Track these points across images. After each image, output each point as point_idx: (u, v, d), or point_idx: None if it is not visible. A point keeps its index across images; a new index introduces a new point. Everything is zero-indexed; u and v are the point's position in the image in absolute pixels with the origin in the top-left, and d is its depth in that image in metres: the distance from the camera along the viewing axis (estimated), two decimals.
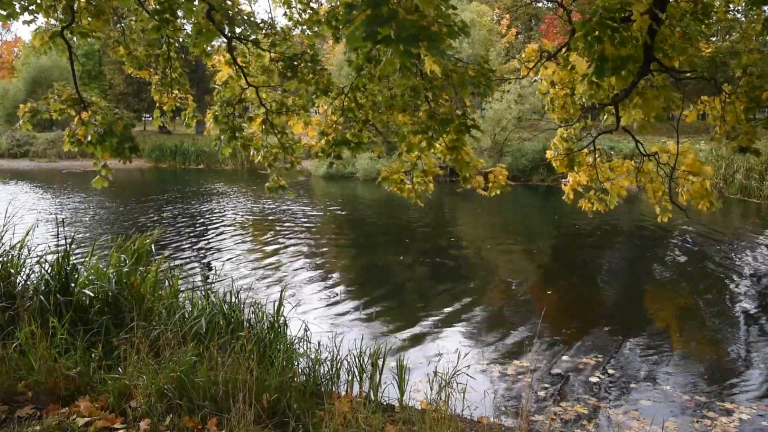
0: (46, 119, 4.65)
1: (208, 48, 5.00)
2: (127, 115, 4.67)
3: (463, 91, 4.32)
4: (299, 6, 5.36)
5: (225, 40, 4.83)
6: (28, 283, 5.07)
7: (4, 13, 4.03)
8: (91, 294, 4.84)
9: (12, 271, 5.05)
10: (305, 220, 16.68)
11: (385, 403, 4.72)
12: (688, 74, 4.51)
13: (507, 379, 6.18)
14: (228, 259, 11.51)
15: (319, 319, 7.75)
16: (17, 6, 4.15)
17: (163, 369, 3.95)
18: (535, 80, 5.55)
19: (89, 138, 4.41)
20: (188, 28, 5.24)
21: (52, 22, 4.84)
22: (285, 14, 5.43)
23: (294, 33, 5.41)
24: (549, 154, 5.46)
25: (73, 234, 12.84)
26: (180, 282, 5.80)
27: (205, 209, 18.62)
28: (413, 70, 4.19)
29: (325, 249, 12.90)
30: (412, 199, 5.18)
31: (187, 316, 5.02)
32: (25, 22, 4.59)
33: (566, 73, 5.13)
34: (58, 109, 4.58)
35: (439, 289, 9.89)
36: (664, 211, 5.21)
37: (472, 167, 4.75)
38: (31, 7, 4.36)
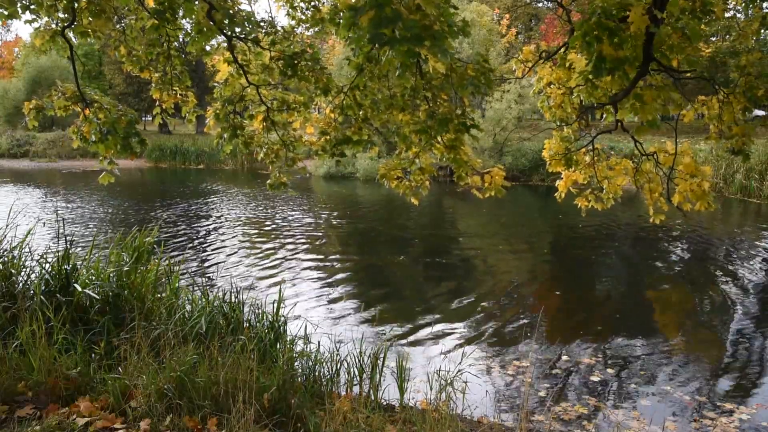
0: (47, 119, 4.70)
1: (207, 47, 5.01)
2: (129, 112, 4.68)
3: (462, 90, 4.32)
4: (302, 4, 5.37)
5: (225, 38, 4.84)
6: (29, 282, 5.08)
7: (6, 12, 4.05)
8: (92, 294, 4.85)
9: (13, 271, 5.06)
10: (305, 219, 16.69)
11: (385, 403, 4.73)
12: (688, 74, 4.51)
13: (507, 378, 6.19)
14: (228, 259, 11.52)
15: (319, 319, 7.76)
16: (18, 5, 4.17)
17: (163, 369, 3.95)
18: (532, 81, 5.55)
19: (93, 137, 4.43)
20: (188, 27, 5.25)
21: (53, 22, 4.85)
22: (288, 14, 5.44)
23: (297, 31, 5.42)
24: (545, 154, 5.46)
25: (73, 234, 12.83)
26: (180, 282, 5.81)
27: (205, 209, 18.63)
28: (413, 70, 4.20)
29: (325, 249, 12.91)
30: (408, 197, 5.20)
31: (187, 316, 5.03)
32: (27, 21, 4.61)
33: (564, 72, 5.13)
34: (62, 106, 4.59)
35: (439, 289, 9.90)
36: (658, 213, 5.21)
37: (469, 166, 4.75)
38: (32, 6, 4.37)
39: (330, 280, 10.12)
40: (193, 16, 4.39)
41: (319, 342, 5.12)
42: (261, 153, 5.53)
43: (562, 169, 5.42)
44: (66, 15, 4.62)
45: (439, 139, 4.67)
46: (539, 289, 10.23)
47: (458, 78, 4.25)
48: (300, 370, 4.72)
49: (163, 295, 5.43)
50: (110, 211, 18.01)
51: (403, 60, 2.61)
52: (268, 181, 5.68)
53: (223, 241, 13.55)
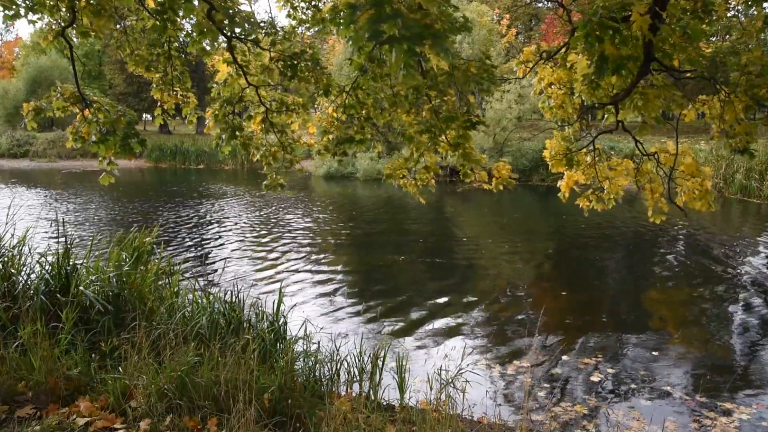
0: (47, 119, 4.72)
1: (207, 47, 5.01)
2: (129, 112, 4.68)
3: (465, 87, 4.32)
4: (303, 4, 5.37)
5: (225, 39, 4.84)
6: (29, 282, 5.07)
7: (10, 13, 4.05)
8: (92, 294, 4.84)
9: (13, 271, 5.05)
10: (305, 219, 16.68)
11: (385, 403, 4.72)
12: (689, 74, 4.50)
13: (507, 378, 6.18)
14: (228, 259, 11.51)
15: (319, 319, 7.75)
16: (21, 5, 4.17)
17: (163, 369, 3.95)
18: (533, 81, 5.55)
19: (93, 137, 4.44)
20: (188, 27, 5.25)
21: (55, 22, 4.85)
22: (289, 14, 5.44)
23: (298, 31, 5.42)
24: (546, 154, 5.46)
25: (73, 234, 12.83)
26: (181, 282, 5.81)
27: (205, 209, 18.63)
28: (416, 69, 4.20)
29: (325, 249, 12.90)
30: (415, 195, 5.21)
31: (187, 315, 5.03)
32: (31, 21, 4.61)
33: (565, 73, 5.13)
34: (61, 106, 4.59)
35: (439, 289, 9.89)
36: (658, 213, 5.21)
37: (476, 161, 4.76)
38: (35, 7, 4.37)
39: (330, 280, 10.12)
40: (193, 17, 4.39)
41: (319, 342, 5.11)
42: (258, 154, 5.53)
43: (563, 169, 5.42)
44: (67, 15, 4.62)
45: (443, 137, 4.68)
46: (540, 288, 10.22)
47: (461, 75, 4.24)
48: (300, 370, 4.72)
49: (164, 295, 5.43)
50: (110, 211, 18.01)
51: (405, 59, 2.60)
52: (264, 182, 5.68)
53: (223, 241, 13.55)
